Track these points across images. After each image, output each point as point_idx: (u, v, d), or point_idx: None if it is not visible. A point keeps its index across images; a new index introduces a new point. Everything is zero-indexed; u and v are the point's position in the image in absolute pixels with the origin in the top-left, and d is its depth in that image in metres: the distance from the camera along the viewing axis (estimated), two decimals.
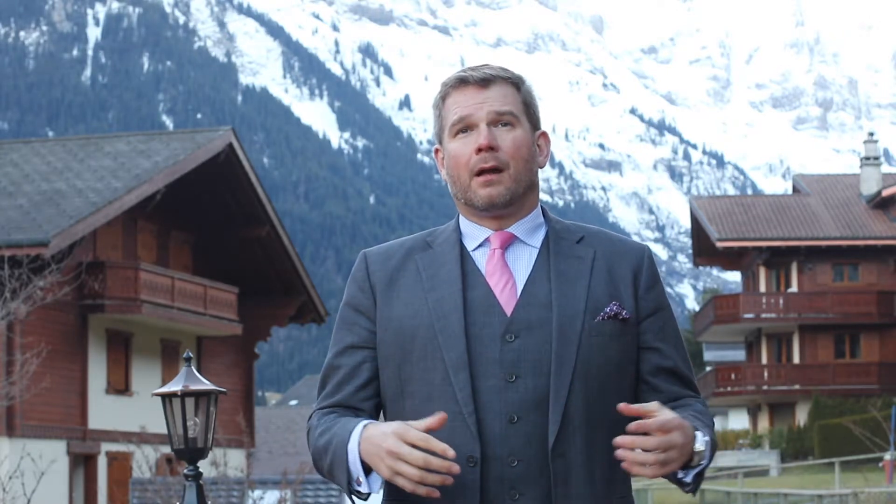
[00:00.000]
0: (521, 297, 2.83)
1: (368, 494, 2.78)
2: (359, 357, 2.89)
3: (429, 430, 2.67)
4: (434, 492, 2.67)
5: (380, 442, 2.68)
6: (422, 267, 2.89)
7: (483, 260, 2.89)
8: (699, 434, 2.73)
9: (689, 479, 2.74)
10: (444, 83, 2.94)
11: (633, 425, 2.65)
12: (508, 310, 2.82)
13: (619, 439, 2.66)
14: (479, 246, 2.91)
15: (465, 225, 2.93)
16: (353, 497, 2.80)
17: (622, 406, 2.69)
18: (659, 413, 2.66)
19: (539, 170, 2.96)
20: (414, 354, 2.82)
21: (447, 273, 2.86)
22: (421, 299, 2.85)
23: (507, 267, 2.87)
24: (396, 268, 2.91)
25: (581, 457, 2.77)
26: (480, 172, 2.85)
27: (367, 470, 2.74)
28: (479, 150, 2.84)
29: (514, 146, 2.86)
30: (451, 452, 2.64)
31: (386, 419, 2.86)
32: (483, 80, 2.89)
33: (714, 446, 2.79)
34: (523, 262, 2.88)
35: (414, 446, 2.65)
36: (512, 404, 2.77)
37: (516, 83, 2.93)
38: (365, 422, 2.76)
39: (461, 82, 2.90)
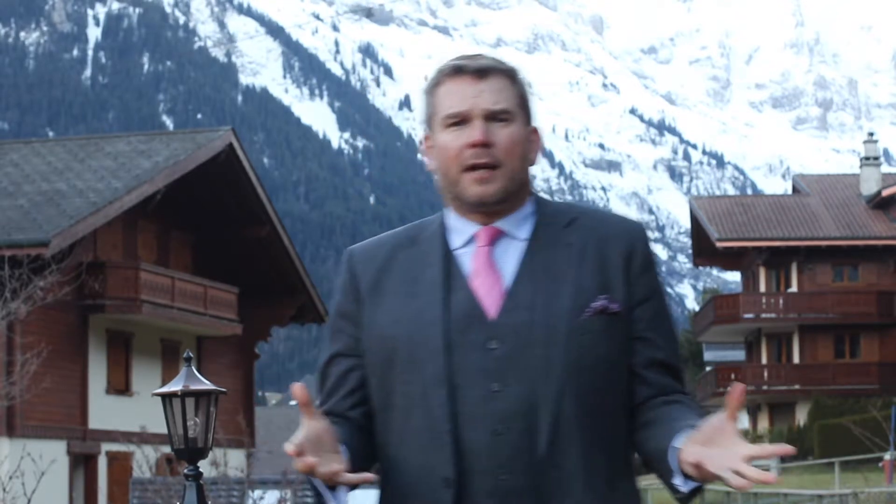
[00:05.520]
0: (506, 299, 2.69)
1: None
2: (344, 366, 2.77)
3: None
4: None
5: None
6: (405, 268, 2.76)
7: (468, 258, 2.74)
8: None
9: (686, 488, 2.57)
10: (440, 70, 2.79)
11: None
12: (492, 314, 2.68)
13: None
14: (466, 243, 2.76)
15: (452, 219, 2.79)
16: None
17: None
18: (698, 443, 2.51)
19: (531, 167, 2.81)
20: (395, 367, 2.69)
21: (429, 277, 2.72)
22: (402, 306, 2.72)
23: (494, 266, 2.72)
24: (381, 269, 2.78)
25: (577, 464, 2.64)
26: (473, 168, 2.71)
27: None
28: (473, 146, 2.71)
29: (509, 143, 2.72)
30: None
31: (377, 429, 2.76)
32: (479, 70, 2.74)
33: None
34: (510, 258, 2.73)
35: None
36: (497, 415, 2.63)
37: (512, 76, 2.78)
38: None
39: (456, 71, 2.76)
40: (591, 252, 2.73)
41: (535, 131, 2.82)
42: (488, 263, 2.73)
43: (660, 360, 2.74)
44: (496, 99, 2.73)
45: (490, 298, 2.69)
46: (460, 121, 2.73)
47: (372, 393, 2.75)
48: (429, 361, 2.66)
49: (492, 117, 2.72)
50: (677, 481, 2.59)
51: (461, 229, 2.77)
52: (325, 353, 2.82)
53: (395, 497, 2.70)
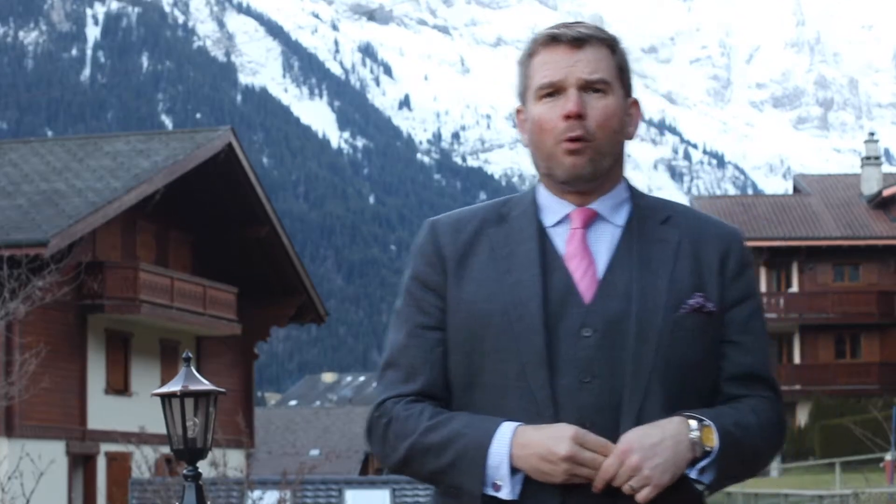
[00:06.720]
0: (601, 286, 2.60)
1: (500, 502, 2.55)
2: (432, 339, 2.65)
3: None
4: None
5: (552, 447, 2.48)
6: (496, 243, 2.66)
7: (562, 239, 2.66)
8: (692, 423, 2.53)
9: (693, 474, 2.53)
10: (534, 39, 2.70)
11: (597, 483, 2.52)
12: (587, 300, 2.60)
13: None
14: (559, 223, 2.68)
15: (545, 197, 2.70)
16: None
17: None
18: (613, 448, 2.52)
19: (628, 141, 2.72)
20: (486, 343, 2.59)
21: (525, 253, 2.63)
22: (496, 281, 2.61)
23: (588, 250, 2.64)
24: (468, 242, 2.67)
25: None
26: (566, 140, 2.62)
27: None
28: (567, 117, 2.61)
29: (603, 115, 2.62)
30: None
31: (453, 408, 2.65)
32: (576, 39, 2.65)
33: (743, 436, 2.57)
34: (605, 243, 2.65)
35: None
36: (585, 408, 2.55)
37: (611, 45, 2.68)
38: (510, 424, 2.54)
39: (552, 40, 2.67)
40: (687, 251, 2.66)
41: (635, 103, 2.73)
42: (583, 246, 2.65)
43: (745, 370, 2.66)
44: (592, 68, 2.64)
45: (584, 283, 2.61)
46: (554, 91, 2.64)
47: (452, 371, 2.64)
48: (527, 340, 2.57)
49: (587, 87, 2.64)
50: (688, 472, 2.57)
51: (554, 208, 2.69)
52: (404, 323, 2.68)
53: None
